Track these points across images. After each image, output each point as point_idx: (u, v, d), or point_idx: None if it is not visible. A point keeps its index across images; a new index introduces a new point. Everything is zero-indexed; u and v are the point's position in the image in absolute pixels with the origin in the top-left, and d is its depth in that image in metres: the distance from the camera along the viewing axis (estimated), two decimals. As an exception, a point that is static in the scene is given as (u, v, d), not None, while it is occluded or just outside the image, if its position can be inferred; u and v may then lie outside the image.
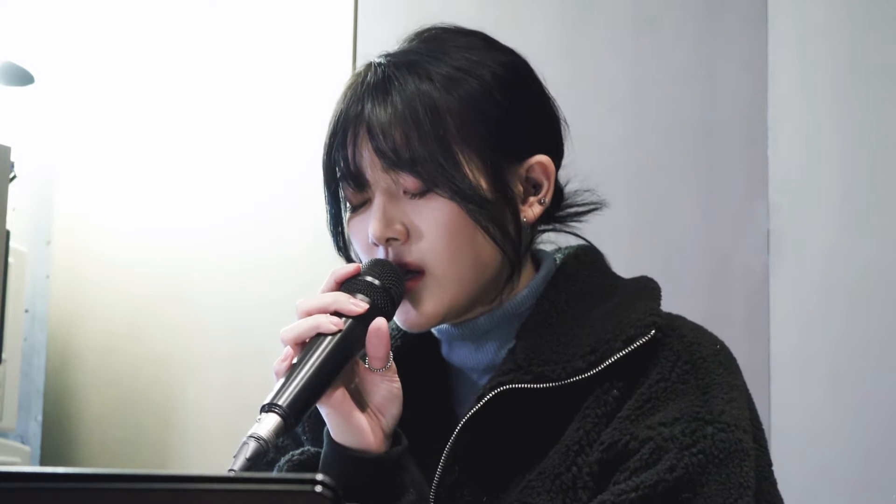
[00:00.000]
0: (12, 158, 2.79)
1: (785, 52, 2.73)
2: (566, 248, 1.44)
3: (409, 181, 1.31)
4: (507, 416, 1.31)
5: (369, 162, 1.32)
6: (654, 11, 2.83)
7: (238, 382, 3.07)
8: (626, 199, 2.72)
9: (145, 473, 0.78)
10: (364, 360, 1.28)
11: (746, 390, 1.34)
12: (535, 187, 1.38)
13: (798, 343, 2.64)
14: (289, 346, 1.24)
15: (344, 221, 1.37)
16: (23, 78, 3.09)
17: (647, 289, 1.37)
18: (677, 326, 1.33)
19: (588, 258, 1.42)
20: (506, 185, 1.34)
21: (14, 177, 2.82)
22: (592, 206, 1.44)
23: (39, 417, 3.13)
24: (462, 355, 1.38)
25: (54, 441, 3.18)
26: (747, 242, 2.71)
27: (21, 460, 2.97)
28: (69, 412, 3.21)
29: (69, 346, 3.22)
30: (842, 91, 2.68)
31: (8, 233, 2.82)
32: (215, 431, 3.09)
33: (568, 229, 1.44)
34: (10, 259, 2.91)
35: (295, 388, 1.20)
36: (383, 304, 1.28)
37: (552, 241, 1.45)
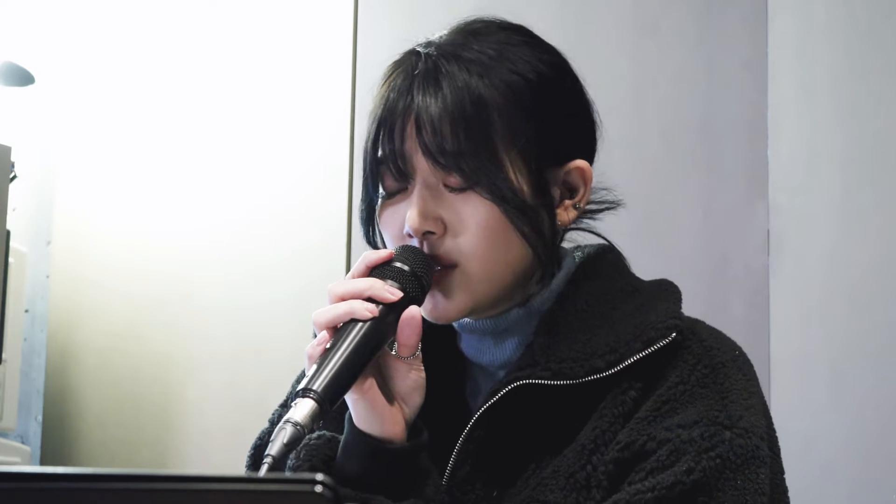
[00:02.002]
0: (12, 158, 2.79)
1: (785, 52, 2.73)
2: (586, 246, 1.43)
3: (451, 177, 1.31)
4: (521, 411, 1.31)
5: (415, 154, 1.31)
6: (654, 12, 2.83)
7: (238, 382, 3.07)
8: (626, 199, 2.71)
9: (145, 473, 0.78)
10: (391, 348, 1.28)
11: (763, 397, 1.34)
12: (571, 191, 1.38)
13: (798, 343, 2.64)
14: (324, 331, 1.24)
15: (377, 211, 1.36)
16: (23, 78, 3.09)
17: (667, 292, 1.38)
18: (697, 330, 1.34)
19: (608, 258, 1.42)
20: (546, 188, 1.34)
21: (14, 177, 2.82)
22: (608, 205, 1.44)
23: (39, 417, 3.13)
24: (479, 349, 1.38)
25: (54, 441, 3.18)
26: (747, 242, 2.71)
27: (21, 460, 2.97)
28: (69, 412, 3.21)
29: (69, 346, 3.22)
30: (842, 91, 2.68)
31: (8, 233, 2.82)
32: (215, 431, 3.09)
33: (586, 228, 1.44)
34: (10, 259, 2.92)
35: (329, 373, 1.20)
36: (414, 292, 1.28)
37: (572, 240, 1.44)
